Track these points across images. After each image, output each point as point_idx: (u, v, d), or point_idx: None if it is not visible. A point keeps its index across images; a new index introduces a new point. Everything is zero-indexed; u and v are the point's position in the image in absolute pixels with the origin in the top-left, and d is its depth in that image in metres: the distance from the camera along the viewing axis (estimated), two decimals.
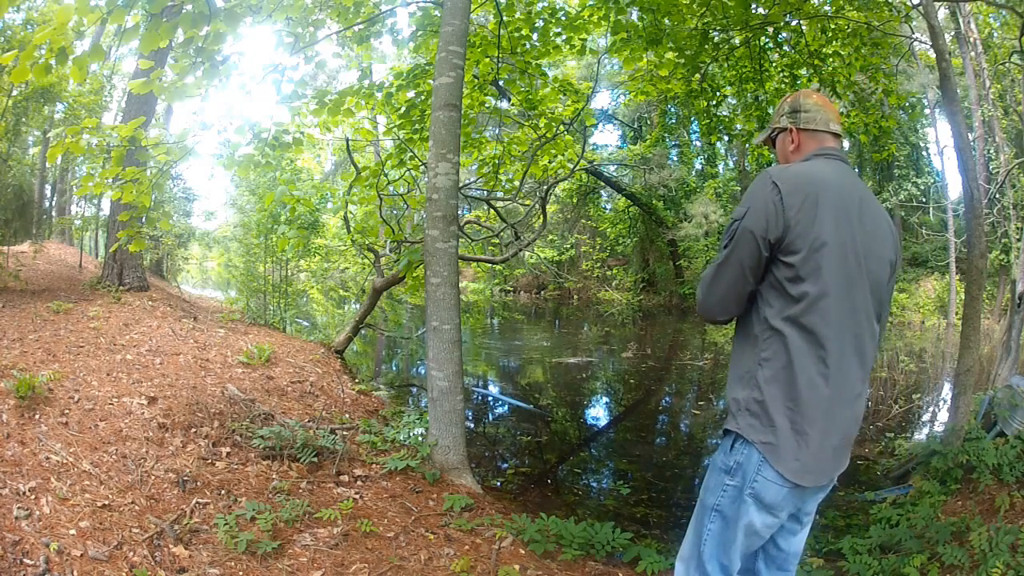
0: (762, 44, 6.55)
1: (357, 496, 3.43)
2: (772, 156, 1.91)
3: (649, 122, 22.44)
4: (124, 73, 14.22)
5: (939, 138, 18.67)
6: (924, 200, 18.87)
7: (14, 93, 9.70)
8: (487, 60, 6.21)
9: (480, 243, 9.68)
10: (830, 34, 6.11)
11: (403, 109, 6.43)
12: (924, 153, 20.11)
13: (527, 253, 18.76)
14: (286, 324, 9.85)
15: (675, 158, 21.87)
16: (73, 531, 2.54)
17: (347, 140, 7.21)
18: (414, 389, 7.52)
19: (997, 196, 12.32)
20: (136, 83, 4.20)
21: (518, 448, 5.50)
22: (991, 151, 13.92)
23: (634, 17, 6.00)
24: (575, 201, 22.05)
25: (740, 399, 1.58)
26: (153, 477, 3.20)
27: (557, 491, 4.56)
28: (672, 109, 20.56)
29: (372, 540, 2.99)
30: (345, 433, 4.41)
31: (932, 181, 19.55)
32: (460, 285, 4.29)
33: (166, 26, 3.68)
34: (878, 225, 1.62)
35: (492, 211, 8.92)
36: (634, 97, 8.20)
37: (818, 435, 1.50)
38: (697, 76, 6.69)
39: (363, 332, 8.96)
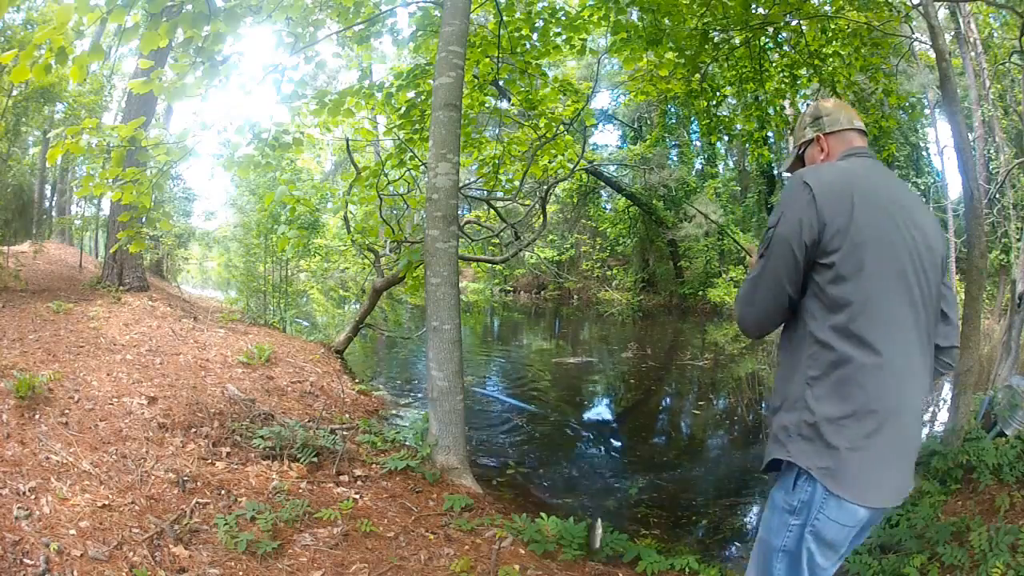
0: (762, 44, 6.55)
1: (357, 496, 3.43)
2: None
3: (649, 122, 22.43)
4: (124, 73, 14.20)
5: (939, 138, 18.65)
6: (924, 200, 18.88)
7: (14, 93, 9.70)
8: (487, 60, 6.21)
9: (480, 243, 9.68)
10: (830, 34, 6.11)
11: (403, 109, 6.43)
12: (924, 153, 20.11)
13: (527, 253, 18.76)
14: (286, 324, 9.84)
15: (675, 158, 21.86)
16: (73, 531, 2.54)
17: (347, 140, 7.22)
18: (414, 389, 7.52)
19: (997, 196, 12.31)
20: (136, 83, 4.20)
21: (518, 448, 5.50)
22: (991, 151, 13.92)
23: (634, 17, 6.00)
24: (575, 201, 22.05)
25: (789, 425, 1.47)
26: (153, 477, 3.20)
27: (557, 491, 4.55)
28: (672, 109, 20.55)
29: (372, 540, 2.99)
30: (345, 433, 4.40)
31: (932, 181, 19.55)
32: (460, 285, 4.29)
33: (166, 26, 3.69)
34: (923, 218, 1.55)
35: (492, 211, 8.92)
36: (634, 97, 8.21)
37: (880, 447, 1.39)
38: (697, 76, 6.69)
39: (363, 332, 8.96)
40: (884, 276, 1.42)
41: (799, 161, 1.78)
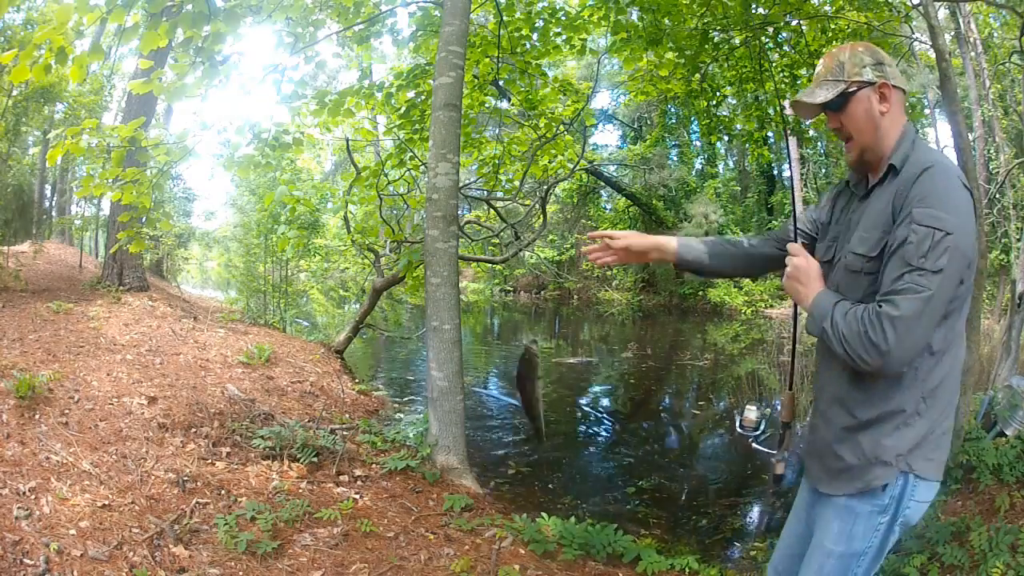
0: (762, 44, 6.55)
1: (357, 496, 3.43)
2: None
3: (649, 122, 22.45)
4: (124, 73, 14.21)
5: (939, 138, 18.64)
6: None
7: (14, 93, 9.70)
8: (487, 60, 6.21)
9: (480, 243, 9.68)
10: (830, 34, 6.11)
11: (403, 109, 6.43)
12: None
13: (527, 253, 18.76)
14: (286, 324, 9.84)
15: (675, 158, 21.88)
16: (73, 531, 2.54)
17: (347, 140, 7.22)
18: (414, 389, 7.52)
19: (997, 196, 12.30)
20: (136, 83, 4.19)
21: (518, 448, 5.50)
22: (991, 151, 13.91)
23: (634, 17, 6.00)
24: (575, 201, 22.06)
25: (899, 445, 1.37)
26: (153, 477, 3.20)
27: (557, 491, 4.55)
28: (672, 109, 20.58)
29: (372, 540, 2.99)
30: (345, 433, 4.41)
31: None
32: (460, 285, 4.29)
33: (166, 26, 3.69)
34: None
35: (492, 211, 8.92)
36: (634, 97, 8.20)
37: (950, 429, 1.45)
38: (697, 76, 6.69)
39: (363, 332, 8.96)
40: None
41: (836, 102, 1.42)
